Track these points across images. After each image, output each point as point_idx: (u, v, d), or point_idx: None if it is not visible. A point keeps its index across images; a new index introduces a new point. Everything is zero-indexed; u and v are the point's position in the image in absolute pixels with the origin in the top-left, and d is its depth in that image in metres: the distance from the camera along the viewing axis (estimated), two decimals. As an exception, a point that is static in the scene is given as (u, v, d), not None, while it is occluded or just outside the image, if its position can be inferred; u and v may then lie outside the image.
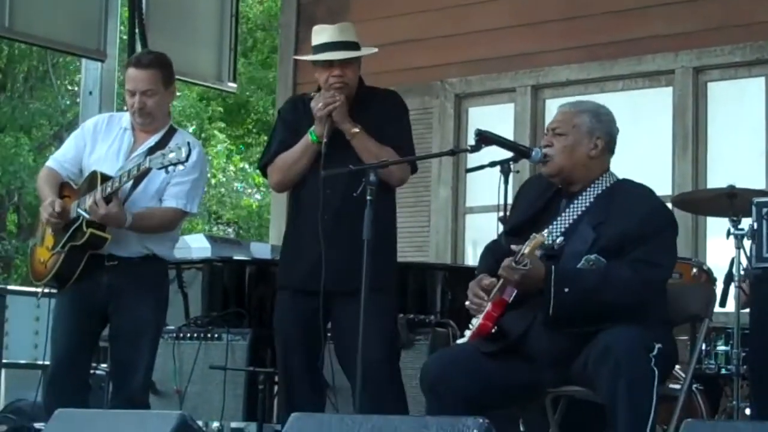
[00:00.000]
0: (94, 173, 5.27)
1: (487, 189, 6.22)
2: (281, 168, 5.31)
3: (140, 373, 5.30)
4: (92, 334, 5.40)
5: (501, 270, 4.45)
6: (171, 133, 5.40)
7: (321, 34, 5.30)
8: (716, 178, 7.43)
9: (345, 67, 5.24)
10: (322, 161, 5.11)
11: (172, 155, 4.97)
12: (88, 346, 5.40)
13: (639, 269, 4.40)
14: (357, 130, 5.18)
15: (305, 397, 5.18)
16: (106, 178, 5.19)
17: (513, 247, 4.46)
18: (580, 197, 4.64)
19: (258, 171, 6.35)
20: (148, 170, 5.09)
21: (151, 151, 5.22)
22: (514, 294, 4.48)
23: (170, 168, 5.00)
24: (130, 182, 5.18)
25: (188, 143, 5.01)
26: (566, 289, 4.35)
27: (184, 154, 4.95)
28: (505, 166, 5.10)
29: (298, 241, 5.27)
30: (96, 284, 5.28)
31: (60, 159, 5.50)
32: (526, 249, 4.40)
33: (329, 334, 5.24)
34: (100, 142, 5.42)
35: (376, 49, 5.41)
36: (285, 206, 9.18)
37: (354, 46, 5.29)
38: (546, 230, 4.51)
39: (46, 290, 5.47)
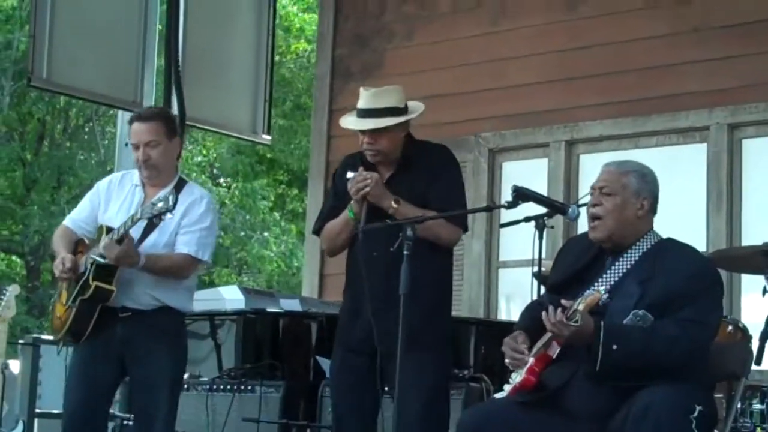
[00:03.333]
0: (100, 227, 5.40)
1: (521, 243, 6.24)
2: (327, 238, 5.32)
3: (159, 425, 5.32)
4: (108, 384, 5.44)
5: (551, 326, 4.42)
6: (180, 185, 5.46)
7: (360, 98, 5.18)
8: (751, 235, 7.39)
9: (377, 136, 5.10)
10: (358, 243, 5.02)
11: (160, 204, 5.05)
12: (104, 397, 5.44)
13: (686, 328, 4.38)
14: (396, 205, 5.03)
15: None
16: (110, 230, 5.29)
17: (564, 302, 4.45)
18: (625, 255, 4.63)
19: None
20: (139, 220, 5.14)
21: None
22: (558, 351, 4.47)
23: (163, 216, 5.06)
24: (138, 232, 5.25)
25: (174, 192, 5.09)
26: (614, 346, 4.32)
27: (171, 203, 5.02)
28: (540, 221, 5.13)
29: (353, 301, 5.23)
30: (110, 335, 5.34)
31: (75, 218, 5.62)
32: (580, 306, 4.36)
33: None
34: (113, 200, 5.53)
35: (415, 114, 5.18)
36: (318, 260, 9.25)
37: (390, 112, 5.09)
38: (603, 287, 4.50)
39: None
